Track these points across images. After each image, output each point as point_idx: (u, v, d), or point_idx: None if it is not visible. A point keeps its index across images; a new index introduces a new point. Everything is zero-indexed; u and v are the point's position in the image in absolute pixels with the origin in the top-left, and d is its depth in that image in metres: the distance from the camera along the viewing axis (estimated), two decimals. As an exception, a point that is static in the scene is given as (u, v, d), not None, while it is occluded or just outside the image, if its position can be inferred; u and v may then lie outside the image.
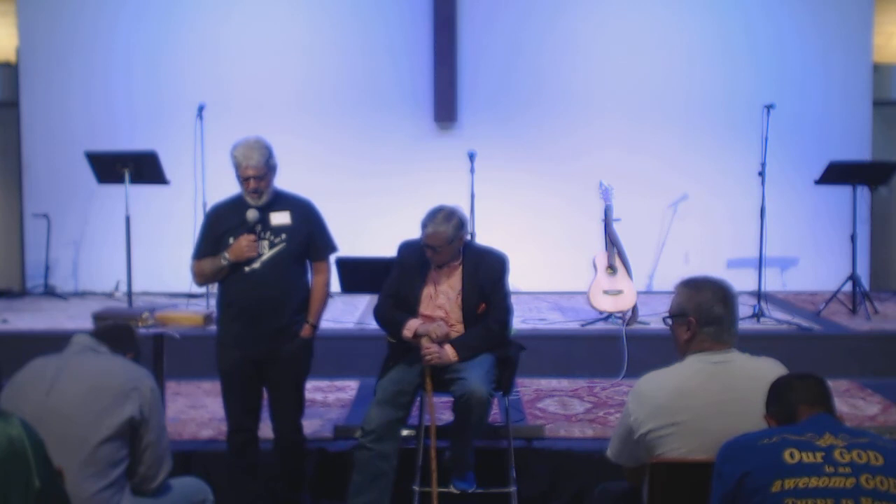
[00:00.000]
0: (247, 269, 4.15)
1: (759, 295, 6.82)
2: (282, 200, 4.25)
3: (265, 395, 4.31)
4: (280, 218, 4.20)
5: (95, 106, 8.29)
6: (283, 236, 4.19)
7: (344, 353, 6.22)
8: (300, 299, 4.25)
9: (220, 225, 4.22)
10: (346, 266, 5.62)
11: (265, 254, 4.16)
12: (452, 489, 4.29)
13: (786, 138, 7.80)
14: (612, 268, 6.58)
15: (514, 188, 8.19)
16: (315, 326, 4.29)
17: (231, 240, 4.16)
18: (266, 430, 4.36)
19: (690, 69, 8.28)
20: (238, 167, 4.15)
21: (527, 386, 5.85)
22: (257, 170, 4.11)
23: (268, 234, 4.18)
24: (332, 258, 4.45)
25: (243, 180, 4.16)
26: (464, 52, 8.23)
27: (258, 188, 4.15)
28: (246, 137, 4.20)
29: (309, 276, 4.33)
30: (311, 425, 4.95)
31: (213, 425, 5.04)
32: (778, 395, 2.61)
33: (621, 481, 3.19)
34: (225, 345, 4.23)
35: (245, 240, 4.12)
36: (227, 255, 4.14)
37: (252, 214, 4.15)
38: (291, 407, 4.28)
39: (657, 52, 8.27)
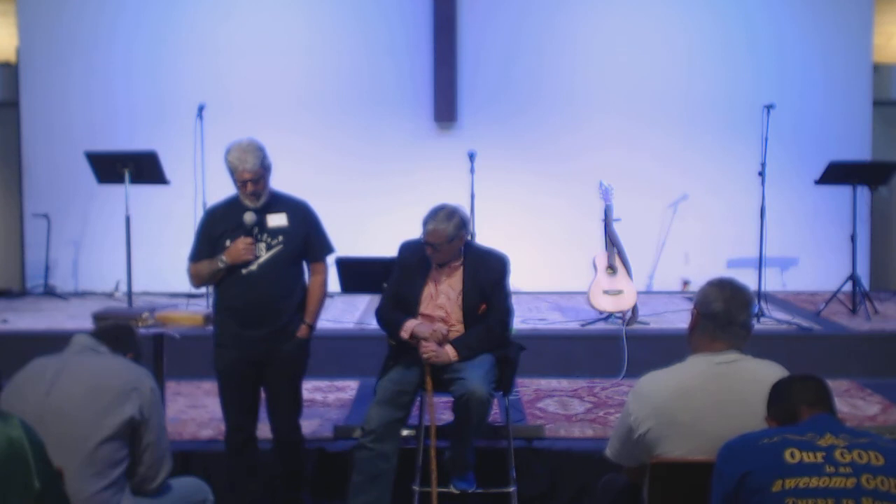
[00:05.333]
0: (244, 271, 4.14)
1: (759, 295, 6.82)
2: (278, 202, 4.25)
3: (263, 395, 4.31)
4: (277, 220, 4.20)
5: (95, 106, 8.30)
6: (280, 238, 4.18)
7: (344, 353, 6.22)
8: (297, 300, 4.25)
9: (217, 227, 4.21)
10: (346, 266, 5.61)
11: (262, 256, 4.16)
12: (452, 489, 4.29)
13: (786, 138, 7.81)
14: (612, 268, 6.57)
15: (514, 188, 8.19)
16: (312, 327, 4.29)
17: (228, 242, 4.15)
18: (265, 430, 4.36)
19: (690, 69, 8.28)
20: (234, 172, 4.14)
21: (527, 386, 5.85)
22: (254, 173, 4.10)
23: (265, 236, 4.17)
24: (331, 259, 4.45)
25: (240, 184, 4.15)
26: (464, 52, 8.23)
27: (256, 190, 4.14)
28: (238, 140, 4.18)
29: (306, 277, 4.33)
30: (310, 425, 4.95)
31: (213, 425, 5.03)
32: (779, 396, 2.62)
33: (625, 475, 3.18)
34: (222, 345, 4.23)
35: (242, 242, 4.11)
36: (223, 257, 4.13)
37: (249, 217, 4.14)
38: (289, 407, 4.29)
39: (657, 52, 8.27)
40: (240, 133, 4.31)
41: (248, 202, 4.16)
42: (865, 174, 7.19)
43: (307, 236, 4.25)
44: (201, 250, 4.24)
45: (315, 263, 4.32)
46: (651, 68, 8.26)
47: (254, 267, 4.15)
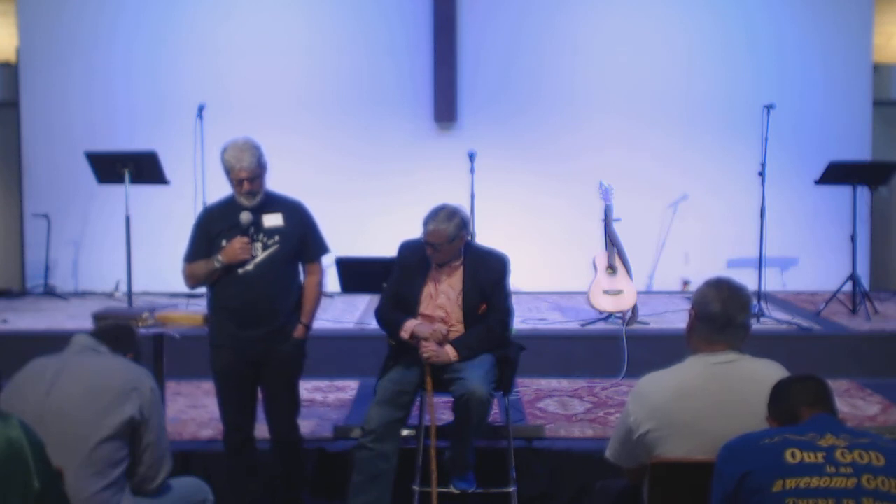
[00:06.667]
0: (240, 271, 4.13)
1: (759, 295, 6.82)
2: (274, 202, 4.24)
3: (260, 394, 4.30)
4: (273, 220, 4.19)
5: (95, 106, 8.30)
6: (277, 238, 4.17)
7: (344, 353, 6.22)
8: (293, 300, 4.24)
9: (213, 227, 4.20)
10: (346, 266, 5.61)
11: (258, 256, 4.15)
12: (452, 489, 4.29)
13: (786, 138, 7.80)
14: (612, 268, 6.57)
15: (514, 188, 8.19)
16: (308, 327, 4.28)
17: (224, 242, 4.14)
18: (264, 430, 4.35)
19: (690, 69, 8.28)
20: (230, 170, 4.13)
21: (527, 386, 5.85)
22: (250, 171, 4.09)
23: (261, 236, 4.16)
24: (326, 259, 4.43)
25: (236, 182, 4.14)
26: (464, 52, 8.23)
27: (252, 189, 4.13)
28: (234, 139, 4.17)
29: (301, 277, 4.32)
30: (310, 425, 4.96)
31: (213, 425, 5.03)
32: (779, 397, 2.61)
33: (622, 478, 3.18)
34: (219, 346, 4.22)
35: (238, 242, 4.10)
36: (220, 257, 4.12)
37: (245, 217, 4.13)
38: (287, 407, 4.29)
39: (657, 52, 8.27)
40: (240, 133, 4.30)
41: (243, 201, 4.15)
42: (865, 174, 7.19)
43: (303, 237, 4.25)
44: (197, 250, 4.23)
45: (311, 264, 4.31)
46: (651, 68, 8.26)
47: (250, 267, 4.13)
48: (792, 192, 8.03)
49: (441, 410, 4.92)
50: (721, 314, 2.87)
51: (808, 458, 2.39)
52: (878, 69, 8.44)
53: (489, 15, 8.26)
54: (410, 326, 4.22)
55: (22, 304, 7.84)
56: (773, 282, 7.97)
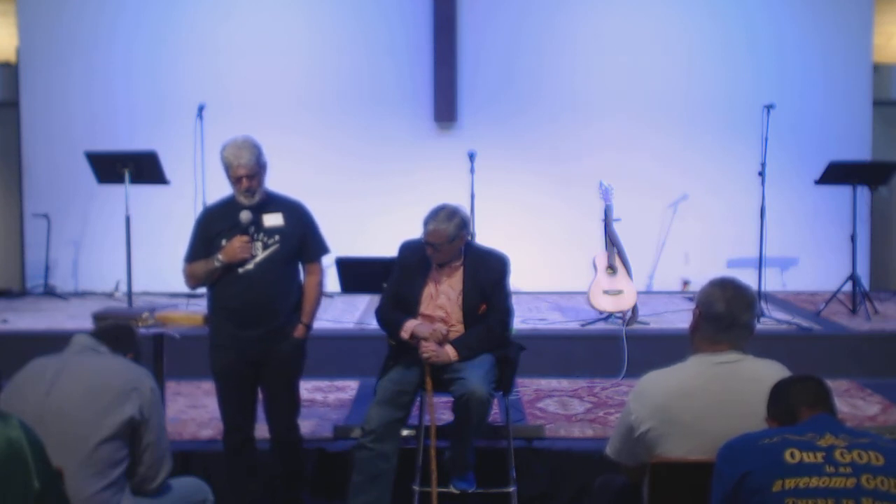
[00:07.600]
0: (240, 270, 4.13)
1: (759, 295, 6.80)
2: (274, 202, 4.24)
3: (260, 394, 4.30)
4: (273, 219, 4.19)
5: (95, 106, 8.30)
6: (277, 238, 4.17)
7: (344, 353, 6.22)
8: (294, 300, 4.24)
9: (213, 227, 4.20)
10: (346, 266, 5.61)
11: (258, 255, 4.15)
12: (452, 489, 4.29)
13: (786, 138, 7.80)
14: (612, 268, 6.57)
15: (514, 188, 8.19)
16: (308, 327, 4.28)
17: (224, 242, 4.14)
18: (263, 430, 4.35)
19: (690, 69, 8.29)
20: (229, 167, 4.13)
21: (527, 386, 5.85)
22: (248, 169, 4.10)
23: (261, 235, 4.16)
24: (326, 259, 4.43)
25: (235, 180, 4.15)
26: (464, 52, 8.24)
27: (250, 187, 4.13)
28: (234, 137, 4.18)
29: (301, 277, 4.32)
30: (310, 425, 4.96)
31: (213, 425, 5.03)
32: (779, 397, 2.61)
33: (622, 475, 3.18)
34: (219, 346, 4.22)
35: (238, 241, 4.10)
36: (220, 256, 4.12)
37: (245, 216, 4.13)
38: (286, 407, 4.29)
39: (657, 52, 8.27)
40: (239, 133, 4.31)
41: (242, 199, 4.16)
42: (865, 174, 7.19)
43: (303, 237, 4.25)
44: (197, 250, 4.23)
45: (311, 264, 4.31)
46: (651, 68, 8.27)
47: (250, 266, 4.14)
48: (792, 192, 8.03)
49: (441, 410, 4.92)
50: (726, 314, 2.87)
51: (808, 458, 2.39)
52: (878, 69, 8.44)
53: (489, 15, 8.27)
54: (410, 326, 4.22)
55: (22, 304, 7.84)
56: (773, 282, 7.97)
